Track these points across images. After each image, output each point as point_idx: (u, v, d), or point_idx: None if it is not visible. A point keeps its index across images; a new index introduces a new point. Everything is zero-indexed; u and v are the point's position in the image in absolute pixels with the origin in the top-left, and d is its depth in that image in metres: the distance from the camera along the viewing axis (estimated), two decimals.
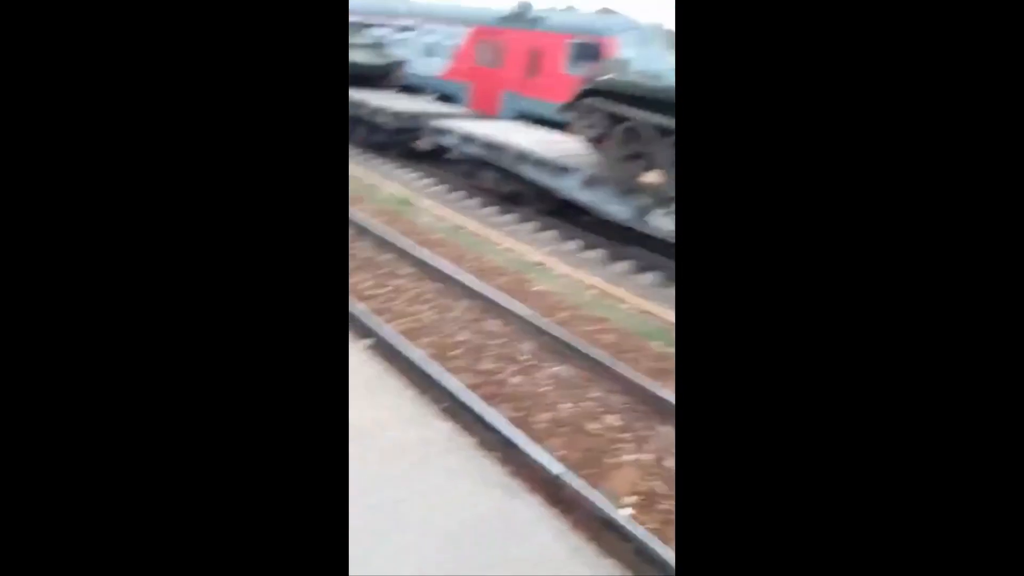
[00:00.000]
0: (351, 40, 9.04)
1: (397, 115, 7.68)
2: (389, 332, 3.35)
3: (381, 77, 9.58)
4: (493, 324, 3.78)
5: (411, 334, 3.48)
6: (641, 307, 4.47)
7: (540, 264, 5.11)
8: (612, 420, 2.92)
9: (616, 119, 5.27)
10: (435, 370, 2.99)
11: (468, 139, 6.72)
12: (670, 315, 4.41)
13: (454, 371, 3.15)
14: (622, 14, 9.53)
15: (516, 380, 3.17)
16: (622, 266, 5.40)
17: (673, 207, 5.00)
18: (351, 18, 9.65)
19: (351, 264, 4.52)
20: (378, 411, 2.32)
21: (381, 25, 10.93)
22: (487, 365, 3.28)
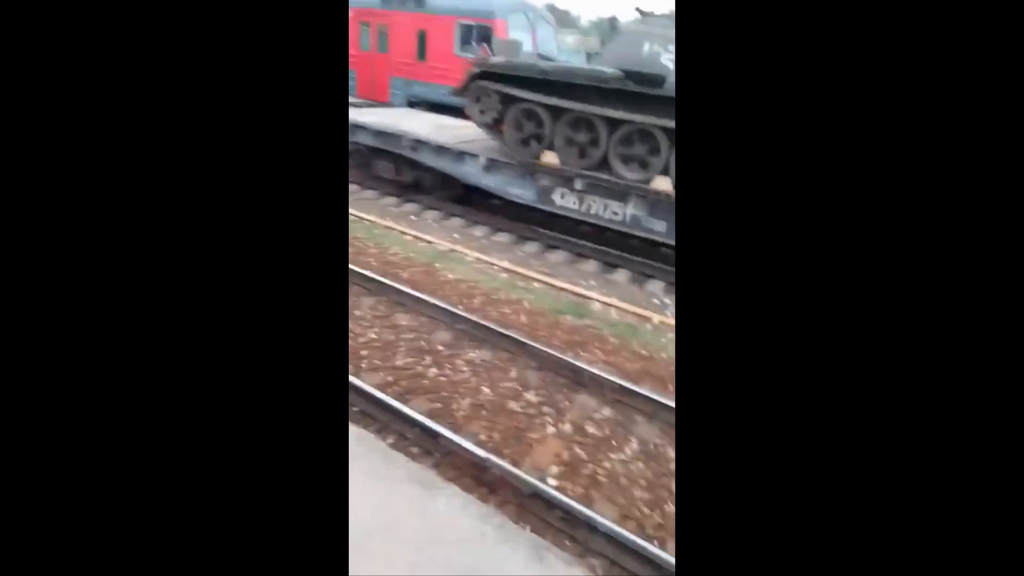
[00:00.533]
0: None
1: None
2: None
3: None
4: (404, 318, 3.64)
5: None
6: (552, 284, 4.58)
7: (449, 252, 5.02)
8: (531, 397, 2.97)
9: (510, 101, 5.28)
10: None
11: (359, 127, 6.36)
12: (579, 289, 4.58)
13: (366, 371, 2.99)
14: None
15: (433, 372, 3.09)
16: (531, 247, 5.50)
17: (573, 184, 5.16)
18: None
19: None
20: None
21: None
22: (401, 361, 3.16)
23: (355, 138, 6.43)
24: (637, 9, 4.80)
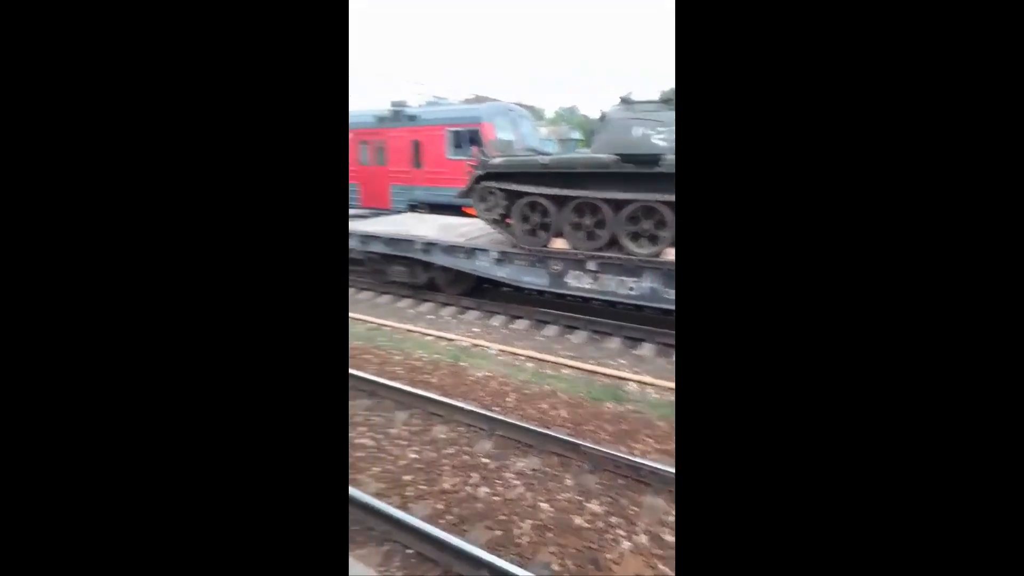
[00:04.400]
0: None
1: None
2: None
3: None
4: (442, 431, 3.46)
5: (353, 468, 3.04)
6: (581, 368, 4.44)
7: (472, 348, 4.93)
8: (595, 507, 2.72)
9: (515, 196, 5.50)
10: (388, 506, 2.60)
11: (371, 237, 6.56)
12: (609, 370, 4.43)
13: (414, 500, 2.77)
14: (490, 99, 10.34)
15: (483, 491, 2.87)
16: (551, 330, 5.43)
17: (585, 266, 5.21)
18: None
19: None
20: None
21: None
22: (448, 483, 2.94)
23: (368, 247, 6.61)
24: (621, 98, 5.15)
